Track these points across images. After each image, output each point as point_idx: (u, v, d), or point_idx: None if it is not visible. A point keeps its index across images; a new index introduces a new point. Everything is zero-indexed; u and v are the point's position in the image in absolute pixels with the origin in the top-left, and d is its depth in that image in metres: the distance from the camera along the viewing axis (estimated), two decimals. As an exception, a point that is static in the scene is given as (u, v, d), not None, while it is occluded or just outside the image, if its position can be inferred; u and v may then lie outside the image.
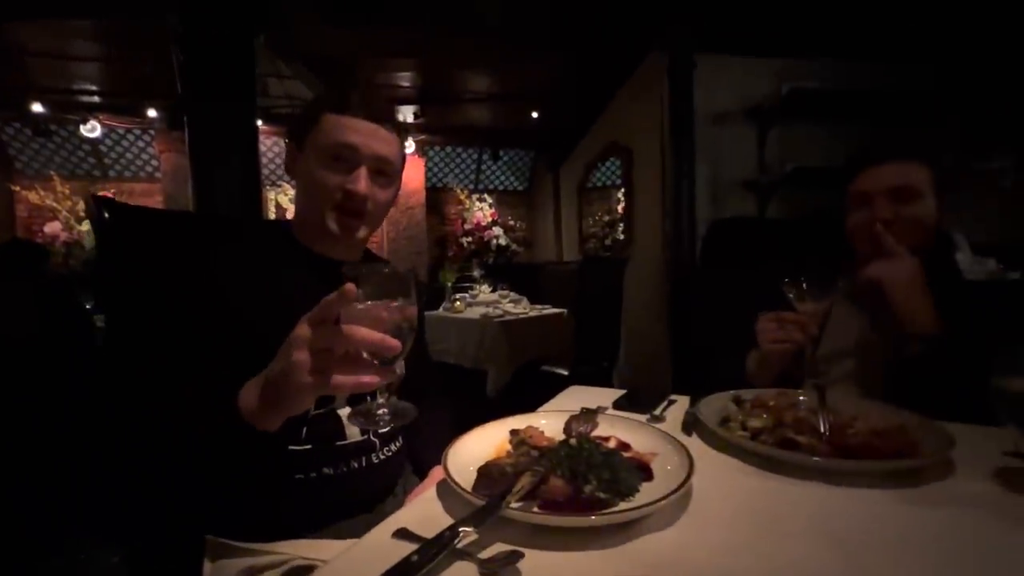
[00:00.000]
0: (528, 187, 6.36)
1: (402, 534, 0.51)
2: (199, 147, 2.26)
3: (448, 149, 5.87)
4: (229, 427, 0.58)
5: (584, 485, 0.55)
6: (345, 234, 0.83)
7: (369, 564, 0.44)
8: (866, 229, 1.01)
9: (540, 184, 6.00)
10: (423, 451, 0.96)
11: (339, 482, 0.78)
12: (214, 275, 0.76)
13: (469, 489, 0.54)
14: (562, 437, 0.70)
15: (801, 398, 0.84)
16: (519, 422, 0.75)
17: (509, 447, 0.68)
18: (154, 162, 5.00)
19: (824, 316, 0.87)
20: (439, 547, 0.44)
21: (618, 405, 0.92)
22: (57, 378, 1.96)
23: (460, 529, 0.46)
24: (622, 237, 4.07)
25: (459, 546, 0.46)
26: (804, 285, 0.82)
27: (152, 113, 4.47)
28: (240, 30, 2.29)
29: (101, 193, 1.30)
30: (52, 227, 4.27)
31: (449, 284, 3.37)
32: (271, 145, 4.97)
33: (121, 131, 4.80)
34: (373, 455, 0.83)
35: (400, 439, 0.92)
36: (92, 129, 4.38)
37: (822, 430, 0.70)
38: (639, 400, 0.94)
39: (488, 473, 0.58)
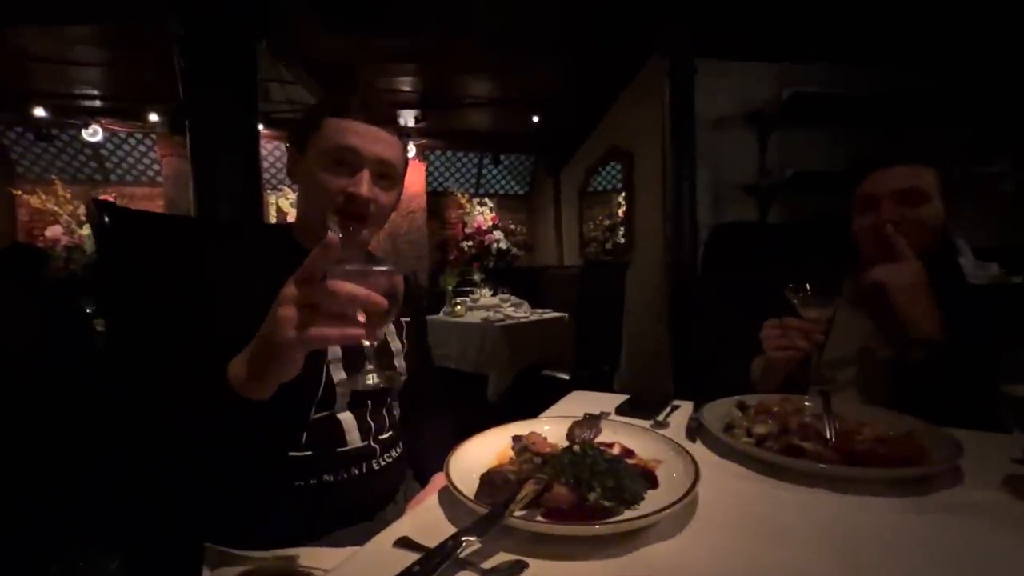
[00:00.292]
0: (529, 191, 6.36)
1: (404, 543, 0.50)
2: (200, 151, 2.26)
3: (449, 153, 5.87)
4: (218, 397, 0.58)
5: (588, 493, 0.54)
6: (347, 237, 0.83)
7: (370, 574, 0.43)
8: (873, 232, 1.00)
9: (541, 188, 6.00)
10: (424, 457, 0.95)
11: (339, 489, 0.77)
12: (215, 279, 0.75)
13: (472, 497, 0.54)
14: (565, 443, 0.69)
15: (806, 404, 0.83)
16: (522, 428, 0.74)
17: (512, 454, 0.68)
18: (155, 166, 5.00)
19: (828, 322, 0.86)
20: (442, 557, 0.43)
21: (621, 411, 0.92)
22: (57, 382, 1.96)
23: (463, 538, 0.45)
24: (623, 241, 4.07)
25: (462, 556, 0.45)
26: (808, 291, 0.81)
27: (154, 117, 4.48)
28: (242, 35, 2.30)
29: (102, 197, 1.29)
30: (53, 231, 4.27)
31: (450, 288, 3.36)
32: (272, 149, 4.98)
33: (123, 135, 4.80)
34: (373, 461, 0.82)
35: (401, 445, 0.91)
36: (94, 133, 4.38)
37: (828, 436, 0.70)
38: (642, 405, 0.93)
39: (491, 480, 0.57)
